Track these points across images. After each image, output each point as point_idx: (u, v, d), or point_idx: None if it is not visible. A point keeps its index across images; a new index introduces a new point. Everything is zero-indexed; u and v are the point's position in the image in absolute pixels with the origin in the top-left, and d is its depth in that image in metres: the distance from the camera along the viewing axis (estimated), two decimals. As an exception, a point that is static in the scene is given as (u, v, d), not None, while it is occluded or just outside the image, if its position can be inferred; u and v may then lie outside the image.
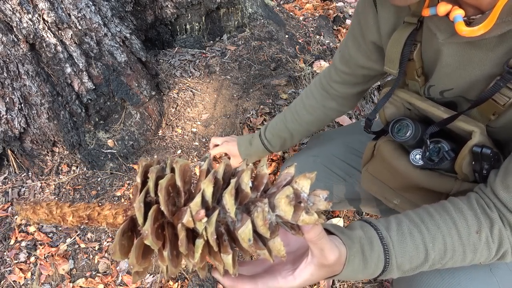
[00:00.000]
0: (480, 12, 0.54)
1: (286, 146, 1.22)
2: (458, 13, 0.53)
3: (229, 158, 1.28)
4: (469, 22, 0.56)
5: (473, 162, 0.67)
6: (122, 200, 1.57)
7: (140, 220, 0.41)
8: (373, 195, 0.95)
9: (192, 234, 0.43)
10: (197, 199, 0.41)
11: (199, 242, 0.42)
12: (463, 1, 0.54)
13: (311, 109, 1.10)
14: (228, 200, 0.42)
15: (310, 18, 2.66)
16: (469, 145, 0.65)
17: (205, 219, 0.41)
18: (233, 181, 0.43)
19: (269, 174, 1.67)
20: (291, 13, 2.65)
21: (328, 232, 0.59)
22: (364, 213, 1.53)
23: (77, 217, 0.46)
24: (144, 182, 0.45)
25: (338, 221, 1.49)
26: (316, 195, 0.43)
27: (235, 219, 0.42)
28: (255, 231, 0.42)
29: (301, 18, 2.66)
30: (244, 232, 0.41)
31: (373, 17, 0.76)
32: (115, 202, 0.50)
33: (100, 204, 0.48)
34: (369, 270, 0.58)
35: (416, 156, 0.76)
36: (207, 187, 0.42)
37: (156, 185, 0.43)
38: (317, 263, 0.52)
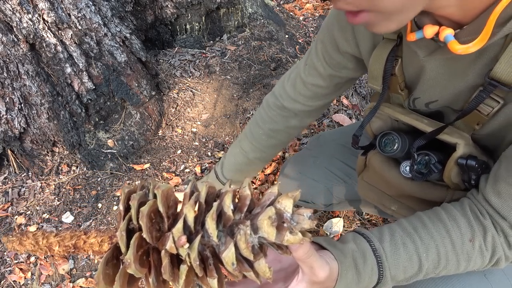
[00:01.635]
0: (459, 26, 0.54)
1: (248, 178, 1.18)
2: (448, 33, 0.53)
3: None
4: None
5: (461, 172, 0.68)
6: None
7: (122, 249, 0.41)
8: (371, 202, 0.95)
9: (178, 259, 0.43)
10: (179, 224, 0.41)
11: (183, 268, 0.42)
12: (443, 16, 0.54)
13: (272, 133, 1.04)
14: (210, 224, 0.42)
15: (310, 18, 2.66)
16: (454, 157, 0.66)
17: (187, 245, 0.41)
18: (215, 204, 0.43)
19: (269, 174, 1.67)
20: (291, 13, 2.65)
21: (320, 246, 0.59)
22: (364, 213, 1.53)
23: (63, 247, 0.46)
24: (127, 209, 0.44)
25: (338, 221, 1.49)
26: (300, 214, 0.43)
27: (218, 243, 0.42)
28: (239, 254, 0.42)
29: (301, 18, 2.66)
30: (228, 256, 0.41)
31: (351, 33, 0.76)
32: (101, 228, 0.50)
33: (85, 232, 0.48)
34: (363, 283, 0.58)
35: (406, 168, 0.76)
36: (189, 212, 0.42)
37: (138, 212, 0.42)
38: (308, 280, 0.52)
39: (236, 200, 0.46)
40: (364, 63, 0.81)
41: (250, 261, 0.43)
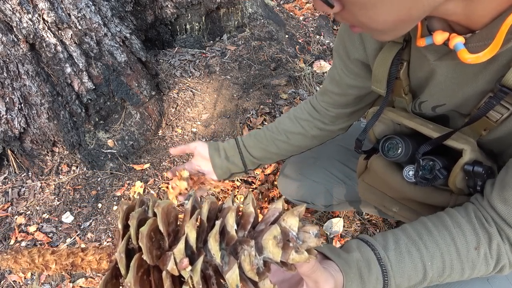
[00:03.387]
0: (470, 30, 0.53)
1: (266, 162, 1.06)
2: (458, 41, 0.52)
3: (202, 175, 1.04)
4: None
5: (467, 178, 0.67)
6: (122, 199, 1.57)
7: (122, 271, 0.40)
8: (372, 204, 0.94)
9: (179, 279, 0.42)
10: (181, 245, 0.40)
11: None
12: (453, 21, 0.53)
13: (299, 122, 1.00)
14: (213, 245, 0.41)
15: (310, 18, 2.65)
16: (460, 164, 0.65)
17: (189, 267, 0.40)
18: (217, 223, 0.42)
19: (269, 174, 1.67)
20: (291, 13, 2.65)
21: (324, 256, 0.58)
22: (364, 213, 1.53)
23: (60, 265, 0.45)
24: (126, 226, 0.43)
25: (338, 221, 1.49)
26: (306, 231, 0.42)
27: (221, 263, 0.41)
28: (243, 273, 0.41)
29: (301, 18, 2.66)
30: (232, 278, 0.40)
31: (358, 36, 0.75)
32: (98, 245, 0.49)
33: (83, 249, 0.47)
34: None
35: (409, 172, 0.75)
36: (190, 232, 0.41)
37: (137, 232, 0.41)
38: None
39: (239, 216, 0.45)
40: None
41: (255, 281, 0.42)
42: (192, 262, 0.40)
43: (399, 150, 0.74)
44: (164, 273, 0.40)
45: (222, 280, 0.43)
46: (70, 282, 1.36)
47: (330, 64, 2.23)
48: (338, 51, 0.83)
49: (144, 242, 0.40)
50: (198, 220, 0.43)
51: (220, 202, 0.46)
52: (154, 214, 0.43)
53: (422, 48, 0.61)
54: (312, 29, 2.54)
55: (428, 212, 0.69)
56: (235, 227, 0.42)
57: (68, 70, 1.48)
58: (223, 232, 0.43)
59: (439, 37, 0.54)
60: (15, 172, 1.64)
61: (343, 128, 1.00)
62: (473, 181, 0.66)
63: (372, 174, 0.89)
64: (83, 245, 1.45)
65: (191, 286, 0.40)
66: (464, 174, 0.66)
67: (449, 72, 0.63)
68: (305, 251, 0.41)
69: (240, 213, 0.45)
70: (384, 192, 0.88)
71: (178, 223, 0.45)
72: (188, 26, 2.16)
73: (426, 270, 0.60)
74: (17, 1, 1.32)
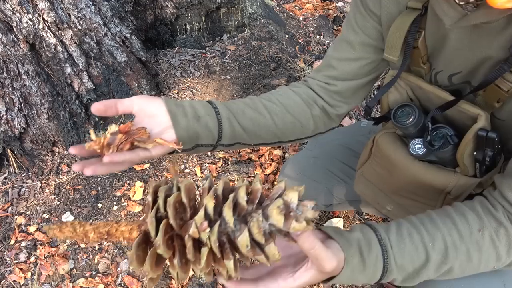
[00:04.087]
0: None
1: (247, 141, 0.79)
2: None
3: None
4: None
5: (475, 152, 0.66)
6: (122, 200, 1.57)
7: (152, 233, 0.48)
8: (366, 199, 0.94)
9: (198, 244, 0.49)
10: (201, 212, 0.48)
11: (204, 250, 0.48)
12: None
13: (288, 108, 0.83)
14: (227, 212, 0.48)
15: (310, 18, 2.66)
16: (474, 129, 0.64)
17: (208, 229, 0.47)
18: (231, 196, 0.49)
19: (269, 174, 1.67)
20: (291, 13, 2.65)
21: (328, 236, 0.60)
22: (364, 213, 1.53)
23: (97, 233, 0.53)
24: (155, 200, 0.51)
25: (338, 221, 1.49)
26: (304, 205, 0.48)
27: (234, 228, 0.48)
28: (252, 238, 0.48)
29: (301, 18, 2.66)
30: (243, 239, 0.47)
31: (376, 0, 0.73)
32: (130, 219, 0.57)
33: (117, 221, 0.55)
34: (368, 270, 0.58)
35: (416, 145, 0.75)
36: (209, 202, 0.48)
37: (165, 202, 0.49)
38: (316, 269, 0.55)
39: (249, 192, 0.52)
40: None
41: (261, 245, 0.49)
42: (210, 228, 0.47)
43: (412, 118, 0.72)
44: (186, 236, 0.48)
45: (234, 250, 0.50)
46: (70, 282, 1.36)
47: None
48: (357, 4, 0.76)
49: (171, 209, 0.48)
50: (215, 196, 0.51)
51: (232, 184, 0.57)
52: (178, 190, 0.51)
53: (440, 11, 0.61)
54: (312, 29, 2.54)
55: (422, 210, 0.69)
56: (246, 198, 0.50)
57: (68, 70, 1.48)
58: (235, 204, 0.50)
59: None
60: (15, 172, 1.64)
61: (340, 115, 0.88)
62: (482, 153, 0.65)
63: (373, 162, 0.88)
64: (83, 245, 1.45)
65: (209, 246, 0.47)
66: (475, 144, 0.65)
67: (463, 37, 0.62)
68: (304, 221, 0.47)
69: (250, 189, 0.52)
70: (381, 188, 0.88)
71: (196, 202, 0.53)
72: (188, 26, 2.16)
73: (428, 251, 0.60)
74: (17, 1, 1.32)
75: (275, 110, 0.80)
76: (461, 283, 0.70)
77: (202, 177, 1.65)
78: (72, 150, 0.62)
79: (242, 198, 0.50)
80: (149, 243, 0.51)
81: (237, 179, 1.63)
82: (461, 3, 0.56)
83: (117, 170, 0.66)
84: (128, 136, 0.61)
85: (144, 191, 1.59)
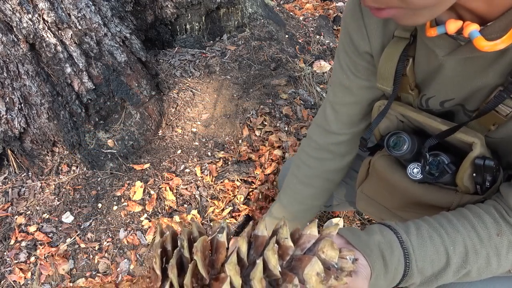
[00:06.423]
0: (481, 21, 0.52)
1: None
2: (473, 28, 0.50)
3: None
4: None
5: (475, 174, 0.66)
6: (122, 200, 1.57)
7: None
8: (370, 216, 0.93)
9: None
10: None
11: None
12: (469, 9, 0.51)
13: (307, 179, 0.97)
14: (257, 286, 0.41)
15: (310, 18, 2.66)
16: (470, 157, 0.64)
17: None
18: (259, 263, 0.41)
19: (269, 174, 1.67)
20: (291, 13, 2.65)
21: (346, 241, 0.58)
22: (364, 213, 1.54)
23: None
24: (164, 270, 0.43)
25: (338, 221, 1.49)
26: (343, 257, 0.44)
27: None
28: None
29: (301, 18, 2.66)
30: None
31: (364, 29, 0.73)
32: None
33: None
34: (390, 274, 0.57)
35: (414, 170, 0.74)
36: (234, 277, 0.41)
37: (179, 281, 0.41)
38: None
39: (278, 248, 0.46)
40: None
41: None
42: None
43: (405, 146, 0.72)
44: None
45: None
46: (70, 282, 1.36)
47: (330, 64, 2.23)
48: (345, 49, 0.78)
49: None
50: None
51: (250, 227, 0.48)
52: (190, 249, 0.43)
53: (431, 43, 0.60)
54: (312, 29, 2.54)
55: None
56: (279, 269, 0.43)
57: (68, 70, 1.48)
58: (264, 269, 0.43)
59: (452, 25, 0.51)
60: (15, 172, 1.64)
61: (351, 161, 0.96)
62: (481, 177, 0.64)
63: (372, 181, 0.87)
64: (83, 245, 1.45)
65: None
66: (473, 169, 0.65)
67: (458, 66, 0.62)
68: (344, 278, 0.44)
69: (280, 249, 0.45)
70: (383, 204, 0.86)
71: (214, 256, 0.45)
72: (188, 26, 2.16)
73: (449, 255, 0.59)
74: (17, 1, 1.32)
75: (302, 209, 1.02)
76: (475, 287, 0.70)
77: (202, 177, 1.65)
78: None
79: (274, 267, 0.42)
80: None
81: (237, 179, 1.63)
82: (453, 34, 0.55)
83: None
84: None
85: (144, 191, 1.59)
